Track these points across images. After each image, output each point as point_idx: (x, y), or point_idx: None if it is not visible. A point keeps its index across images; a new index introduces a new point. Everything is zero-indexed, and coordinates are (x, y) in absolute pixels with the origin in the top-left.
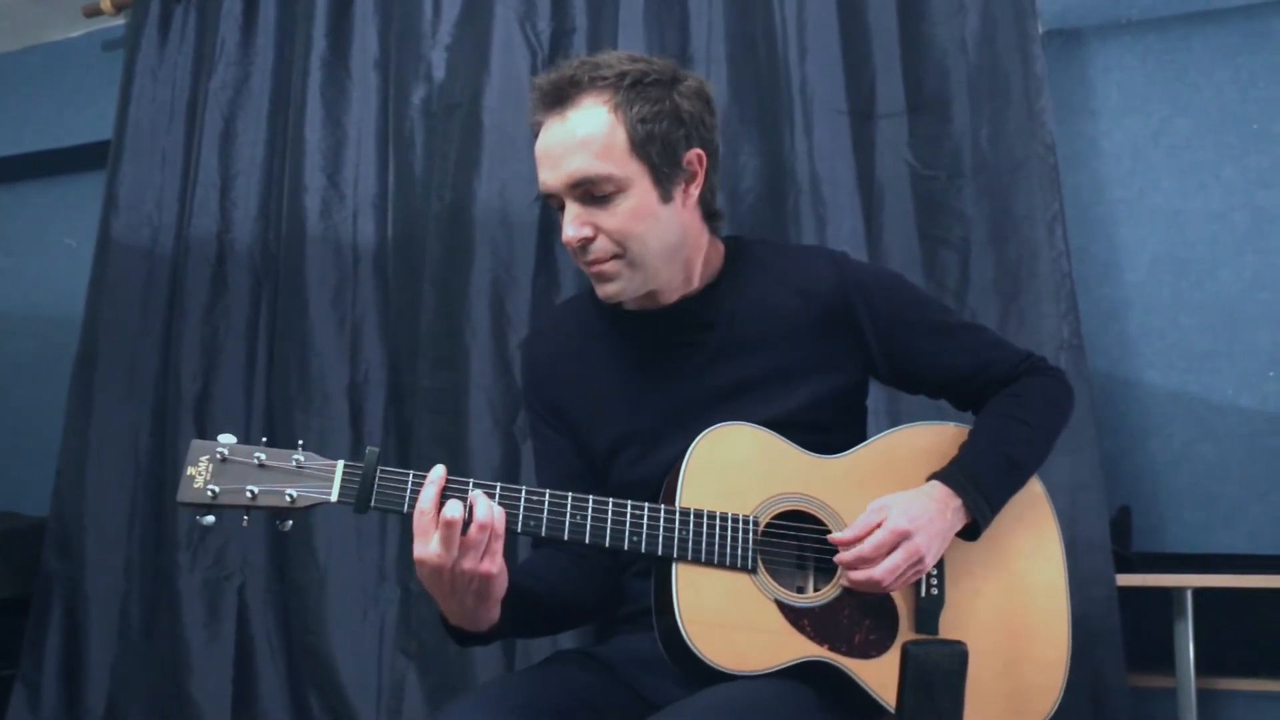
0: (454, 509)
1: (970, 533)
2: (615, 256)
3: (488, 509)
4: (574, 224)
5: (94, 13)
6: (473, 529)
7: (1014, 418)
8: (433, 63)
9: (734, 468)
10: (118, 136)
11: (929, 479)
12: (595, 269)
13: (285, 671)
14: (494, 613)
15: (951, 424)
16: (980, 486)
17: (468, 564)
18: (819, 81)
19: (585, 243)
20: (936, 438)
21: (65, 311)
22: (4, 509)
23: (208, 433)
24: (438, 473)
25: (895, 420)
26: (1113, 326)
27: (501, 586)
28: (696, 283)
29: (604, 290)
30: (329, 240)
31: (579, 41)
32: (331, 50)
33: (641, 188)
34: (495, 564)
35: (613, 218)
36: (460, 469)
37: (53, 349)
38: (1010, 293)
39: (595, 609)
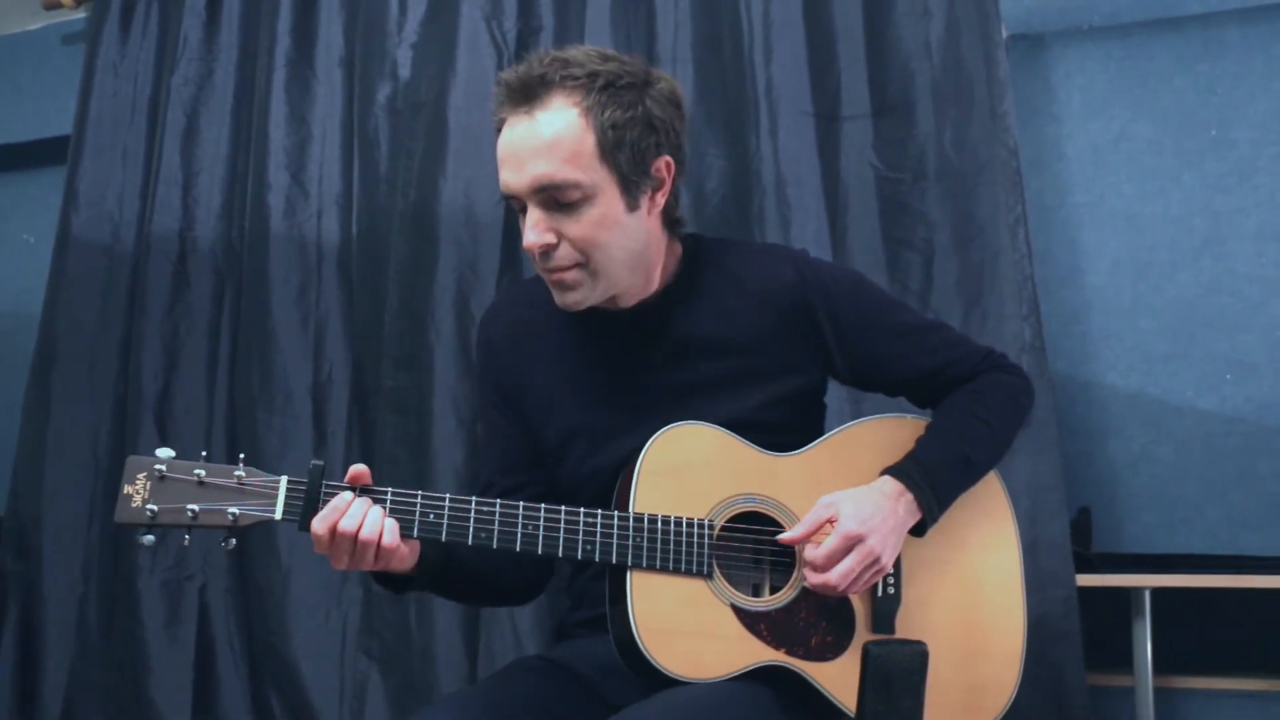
0: (348, 523)
1: (917, 529)
2: (577, 265)
3: (371, 527)
4: (535, 230)
5: (53, 5)
6: (358, 546)
7: (974, 415)
8: (398, 61)
9: (688, 469)
10: (78, 131)
11: (882, 473)
12: (556, 277)
13: (247, 673)
14: (405, 564)
15: (909, 416)
16: (933, 483)
17: (361, 566)
18: (785, 83)
19: (547, 249)
20: (893, 432)
21: (23, 309)
22: None
23: (168, 432)
24: (342, 500)
25: (858, 415)
26: (1074, 329)
27: (403, 560)
28: (655, 286)
29: (563, 299)
30: (293, 238)
31: (545, 41)
32: (296, 47)
33: (608, 196)
34: (387, 562)
35: (577, 226)
36: (424, 469)
37: (10, 347)
38: (973, 295)
39: (529, 585)
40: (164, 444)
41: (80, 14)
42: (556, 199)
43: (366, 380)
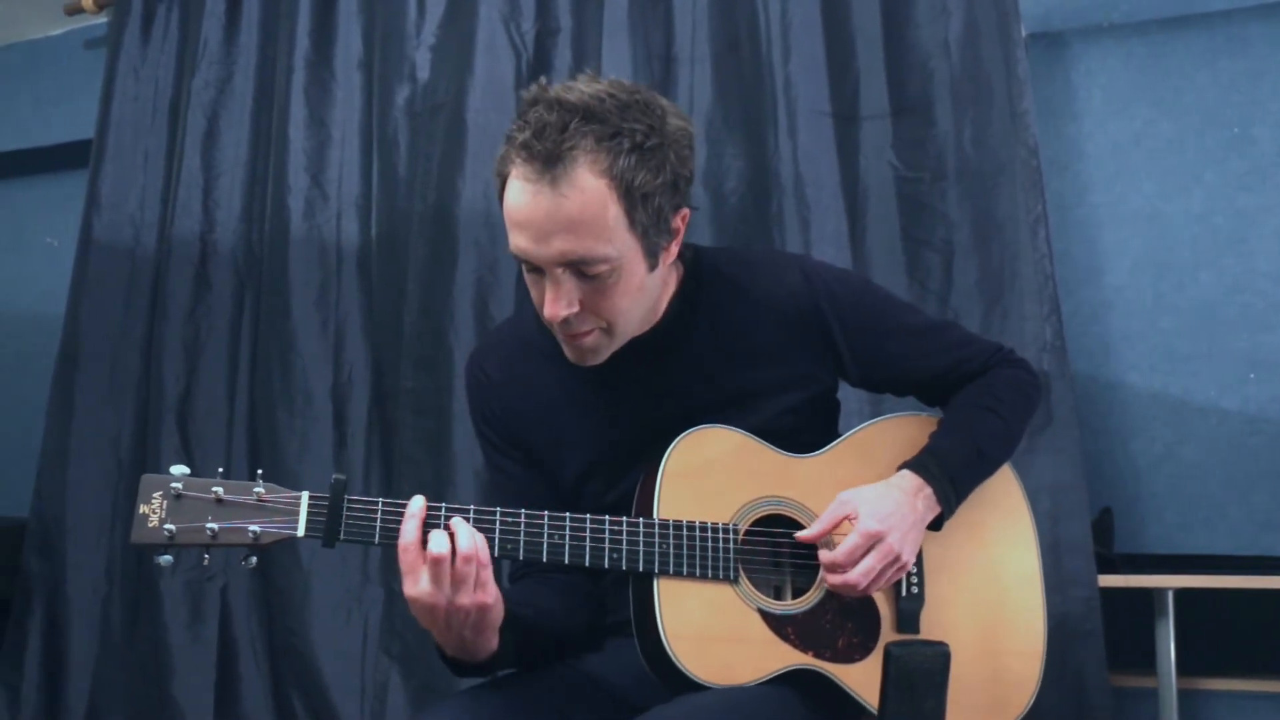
0: (439, 544)
1: (934, 522)
2: (598, 329)
3: (470, 539)
4: (560, 303)
5: (75, 10)
6: (457, 563)
7: (985, 409)
8: (417, 63)
9: (710, 473)
10: (100, 135)
11: (899, 468)
12: (576, 341)
13: (268, 673)
14: (492, 643)
15: (925, 414)
16: (950, 475)
17: (462, 599)
18: (803, 83)
19: (570, 317)
20: (910, 430)
21: (46, 311)
22: None
23: (190, 433)
24: (417, 505)
25: (876, 415)
26: (1094, 329)
27: (498, 615)
28: (660, 313)
29: (579, 358)
30: (312, 240)
31: (563, 42)
32: (315, 49)
33: (633, 264)
34: (489, 593)
35: (603, 297)
36: (444, 470)
37: (33, 349)
38: (993, 295)
39: (583, 635)
40: (185, 445)
41: (102, 19)
42: (583, 271)
43: (386, 382)
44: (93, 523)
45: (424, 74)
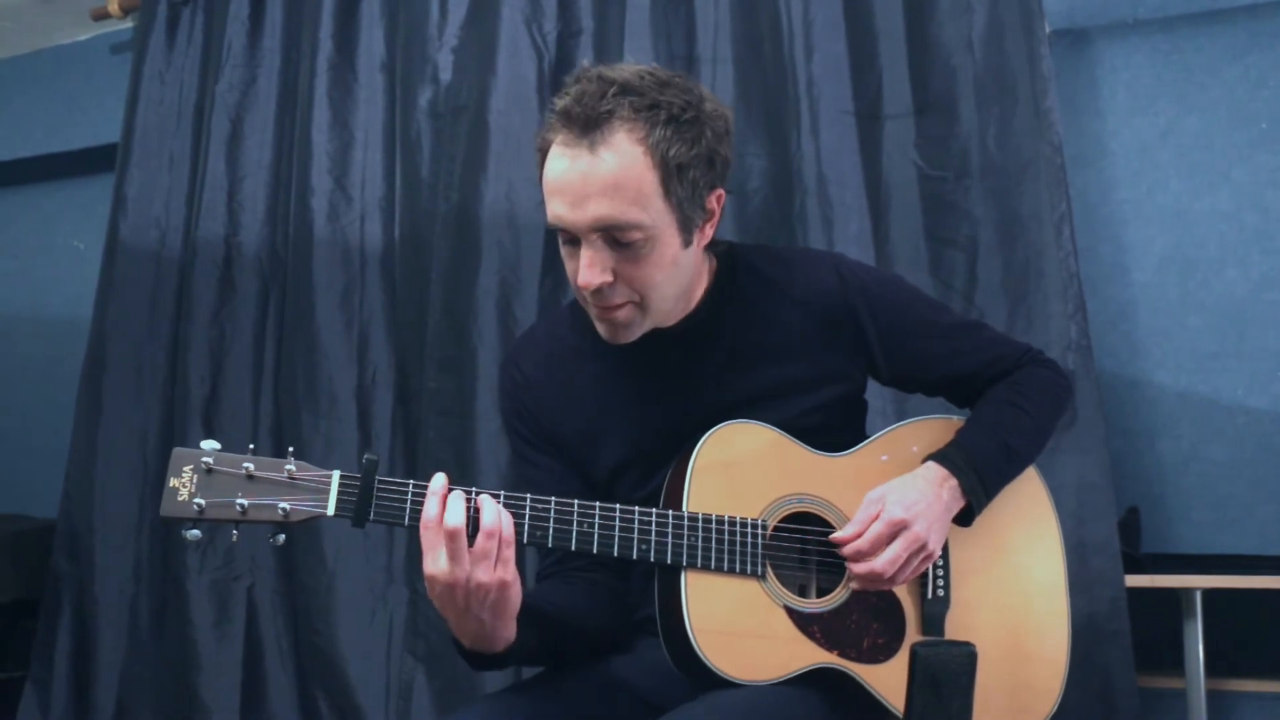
0: (455, 516)
1: (964, 516)
2: (631, 303)
3: (494, 515)
4: (592, 270)
5: (102, 16)
6: (480, 538)
7: (1012, 405)
8: (439, 65)
9: (739, 467)
10: (125, 139)
11: (925, 460)
12: (609, 315)
13: (294, 672)
14: (510, 630)
15: (955, 417)
16: (976, 467)
17: (481, 575)
18: (826, 82)
19: (602, 287)
20: (939, 431)
21: (73, 314)
22: (13, 511)
23: (216, 435)
24: (438, 483)
25: (901, 416)
26: (1121, 327)
27: (517, 597)
28: (694, 304)
29: (614, 335)
30: (336, 242)
31: (585, 43)
32: (338, 52)
33: (667, 235)
34: (509, 571)
35: (636, 266)
36: (468, 471)
37: (61, 352)
38: (1018, 293)
39: (609, 633)
40: None
41: (128, 24)
42: (616, 238)
43: (410, 383)
44: (120, 523)
45: (446, 75)
